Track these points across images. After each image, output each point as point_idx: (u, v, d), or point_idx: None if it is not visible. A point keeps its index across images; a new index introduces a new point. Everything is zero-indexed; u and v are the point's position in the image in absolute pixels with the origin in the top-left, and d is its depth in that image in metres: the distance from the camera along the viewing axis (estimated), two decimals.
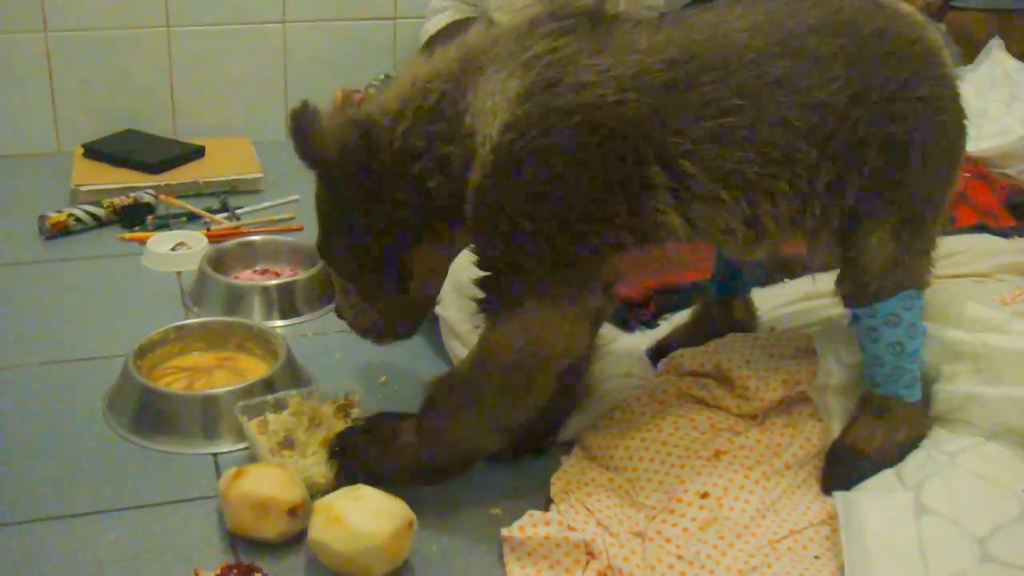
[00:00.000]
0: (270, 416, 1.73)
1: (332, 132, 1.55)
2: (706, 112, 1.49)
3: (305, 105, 1.56)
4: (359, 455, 1.63)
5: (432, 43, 2.89)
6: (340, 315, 1.74)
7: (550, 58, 1.48)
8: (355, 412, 1.75)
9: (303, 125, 1.55)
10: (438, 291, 1.73)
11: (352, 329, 1.73)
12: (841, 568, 1.46)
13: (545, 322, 1.53)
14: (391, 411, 1.70)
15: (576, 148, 1.47)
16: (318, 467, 1.64)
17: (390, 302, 1.67)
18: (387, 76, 3.07)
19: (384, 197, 1.55)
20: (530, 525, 1.53)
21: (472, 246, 1.57)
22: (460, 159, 1.50)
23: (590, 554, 1.51)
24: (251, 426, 1.71)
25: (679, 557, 1.49)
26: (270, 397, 1.76)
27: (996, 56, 3.15)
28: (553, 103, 1.46)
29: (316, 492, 1.58)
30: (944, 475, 1.56)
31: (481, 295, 1.56)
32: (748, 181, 1.52)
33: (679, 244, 1.58)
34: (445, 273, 1.71)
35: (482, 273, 1.55)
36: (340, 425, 1.71)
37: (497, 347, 1.55)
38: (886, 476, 1.61)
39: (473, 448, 1.62)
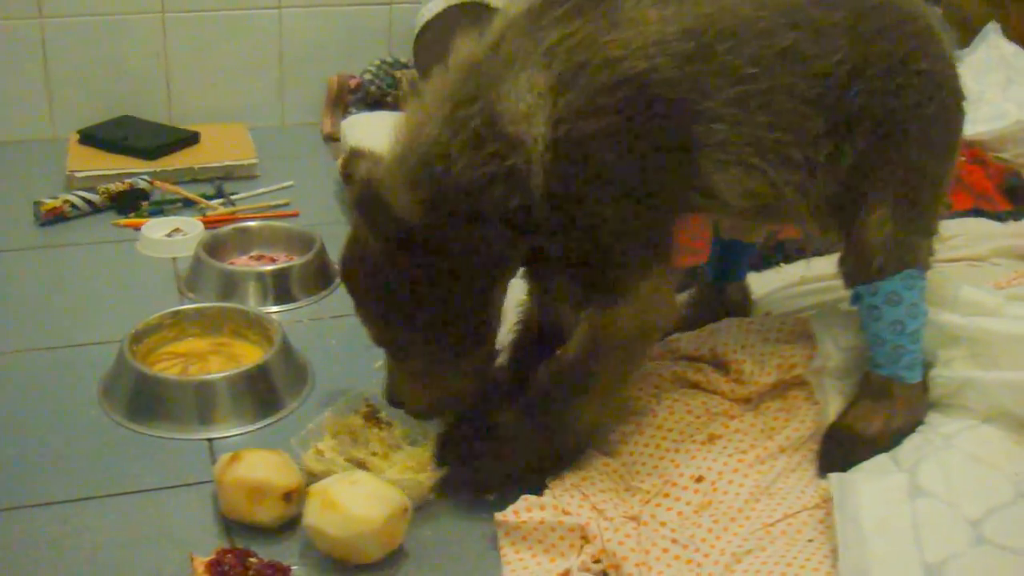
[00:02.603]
0: (321, 445, 1.65)
1: (405, 197, 1.45)
2: (725, 80, 1.49)
3: (368, 181, 1.47)
4: (470, 459, 1.61)
5: (428, 29, 2.88)
6: (398, 402, 1.66)
7: (569, 43, 1.46)
8: (383, 415, 1.71)
9: (379, 199, 1.45)
10: (500, 325, 1.66)
11: (418, 415, 1.67)
12: (834, 551, 1.46)
13: (652, 297, 1.55)
14: (475, 412, 1.66)
15: (628, 122, 1.46)
16: (426, 477, 1.60)
17: (471, 361, 1.61)
18: (383, 62, 3.06)
19: (477, 242, 1.48)
20: (524, 509, 1.53)
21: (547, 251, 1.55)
22: (523, 168, 1.46)
23: (584, 538, 1.51)
24: (310, 460, 1.62)
25: (673, 541, 1.49)
26: (310, 425, 1.68)
27: (993, 40, 3.14)
28: (591, 85, 1.45)
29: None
30: (939, 457, 1.56)
31: (580, 291, 1.55)
32: (768, 147, 1.53)
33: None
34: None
35: (573, 270, 1.54)
36: (377, 433, 1.67)
37: (612, 331, 1.55)
38: (881, 458, 1.61)
39: (593, 430, 1.63)
